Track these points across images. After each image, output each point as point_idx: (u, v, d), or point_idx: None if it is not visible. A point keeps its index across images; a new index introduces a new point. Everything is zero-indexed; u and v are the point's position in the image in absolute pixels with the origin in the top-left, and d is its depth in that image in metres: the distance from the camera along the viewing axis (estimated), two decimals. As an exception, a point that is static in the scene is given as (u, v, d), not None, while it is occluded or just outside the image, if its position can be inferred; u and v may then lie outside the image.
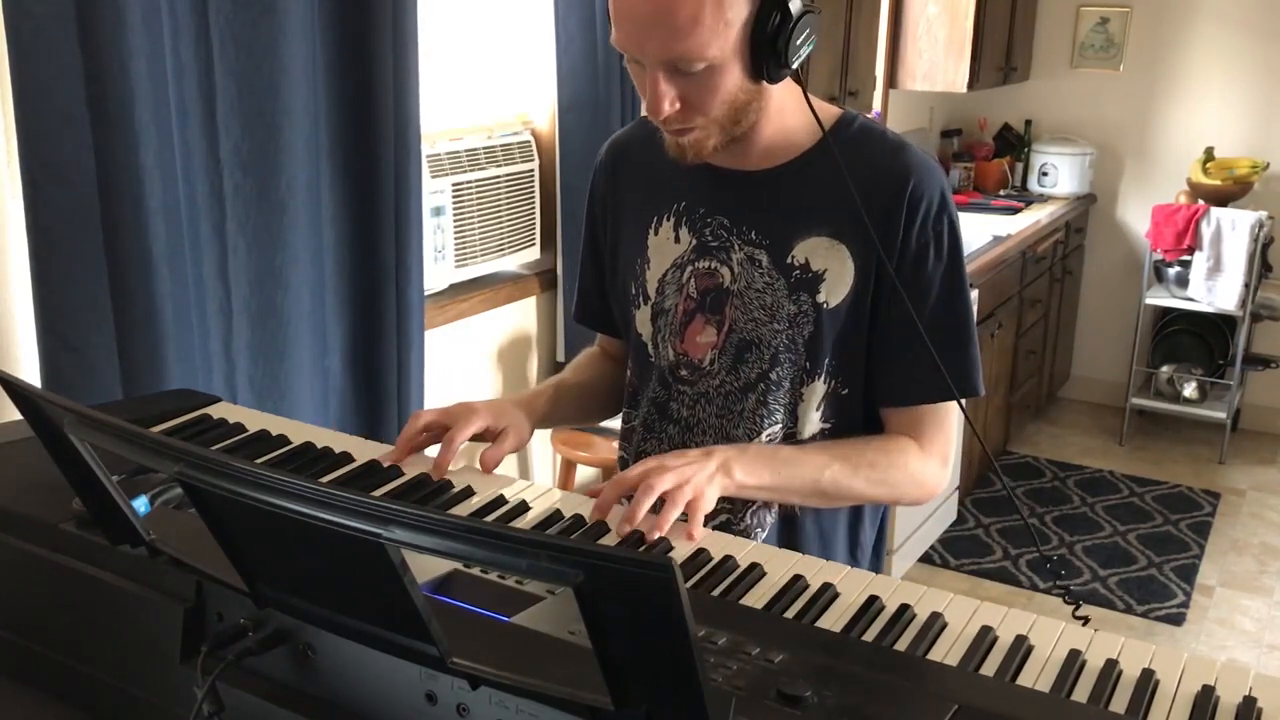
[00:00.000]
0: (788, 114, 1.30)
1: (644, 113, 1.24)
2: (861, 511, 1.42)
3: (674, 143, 1.26)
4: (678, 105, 1.20)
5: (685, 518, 1.15)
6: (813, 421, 1.35)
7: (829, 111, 1.33)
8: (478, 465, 1.29)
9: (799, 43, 1.19)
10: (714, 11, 1.14)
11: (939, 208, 1.28)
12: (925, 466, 1.33)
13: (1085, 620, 1.06)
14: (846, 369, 1.33)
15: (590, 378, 1.53)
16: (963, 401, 1.31)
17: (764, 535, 1.37)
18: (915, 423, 1.33)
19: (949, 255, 1.29)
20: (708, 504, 1.16)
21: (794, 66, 1.21)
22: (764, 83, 1.22)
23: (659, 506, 1.15)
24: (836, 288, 1.29)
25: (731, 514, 1.36)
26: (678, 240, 1.37)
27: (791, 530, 1.38)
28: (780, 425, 1.35)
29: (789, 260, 1.30)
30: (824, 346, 1.31)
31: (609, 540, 1.13)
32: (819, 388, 1.33)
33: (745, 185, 1.33)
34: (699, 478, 1.17)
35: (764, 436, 1.34)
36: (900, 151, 1.30)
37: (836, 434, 1.36)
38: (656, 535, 1.12)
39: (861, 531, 1.43)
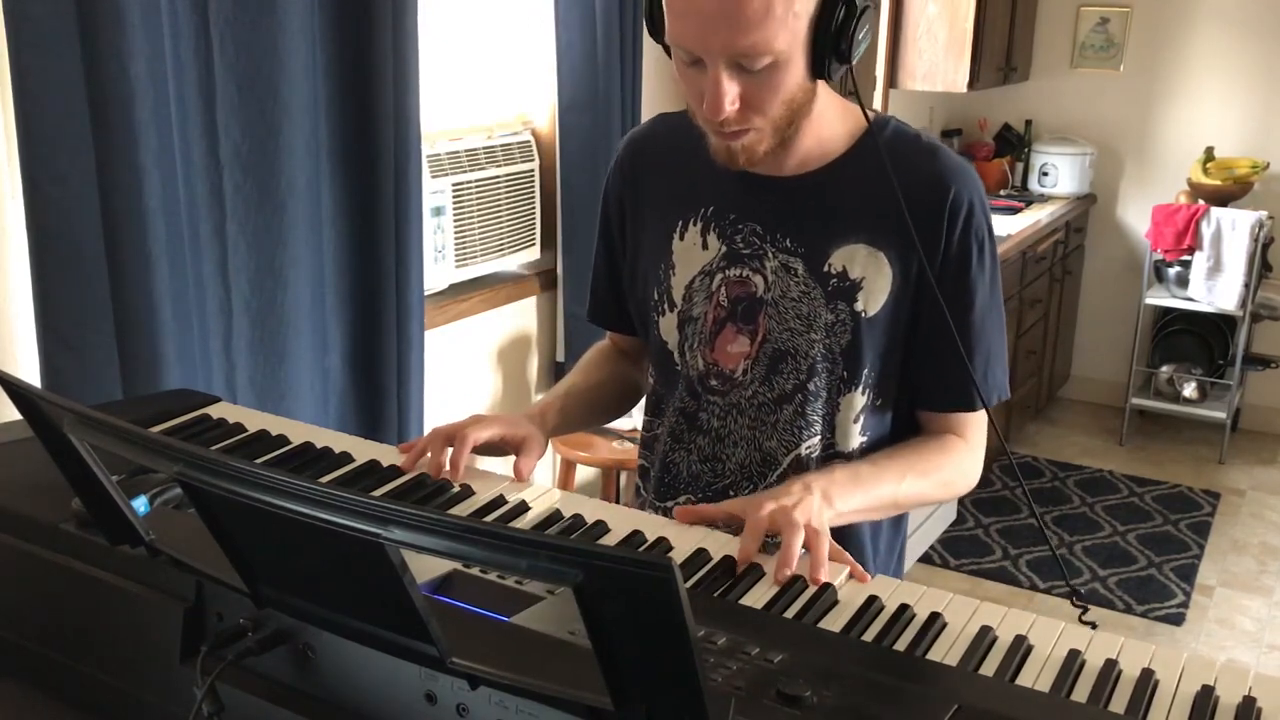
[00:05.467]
0: (825, 120, 1.28)
1: (699, 113, 1.20)
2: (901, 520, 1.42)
3: (724, 147, 1.22)
4: (737, 105, 1.17)
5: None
6: (853, 434, 1.32)
7: (861, 115, 1.30)
8: (508, 479, 1.26)
9: (860, 37, 1.18)
10: (784, 2, 1.12)
11: (980, 212, 1.27)
12: (973, 459, 1.35)
13: (1093, 625, 1.04)
14: (883, 380, 1.31)
15: (602, 378, 1.49)
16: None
17: None
18: (959, 423, 1.33)
19: (990, 258, 1.29)
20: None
21: (854, 62, 1.19)
22: (818, 82, 1.21)
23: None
24: (875, 295, 1.27)
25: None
26: (705, 246, 1.33)
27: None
28: (819, 438, 1.32)
29: (826, 268, 1.28)
30: (863, 356, 1.29)
31: (760, 588, 1.06)
32: (858, 399, 1.31)
33: (779, 191, 1.29)
34: (819, 519, 1.13)
35: (803, 449, 1.31)
36: (935, 156, 1.28)
37: (871, 448, 1.33)
38: (823, 577, 1.05)
39: (899, 535, 1.43)
